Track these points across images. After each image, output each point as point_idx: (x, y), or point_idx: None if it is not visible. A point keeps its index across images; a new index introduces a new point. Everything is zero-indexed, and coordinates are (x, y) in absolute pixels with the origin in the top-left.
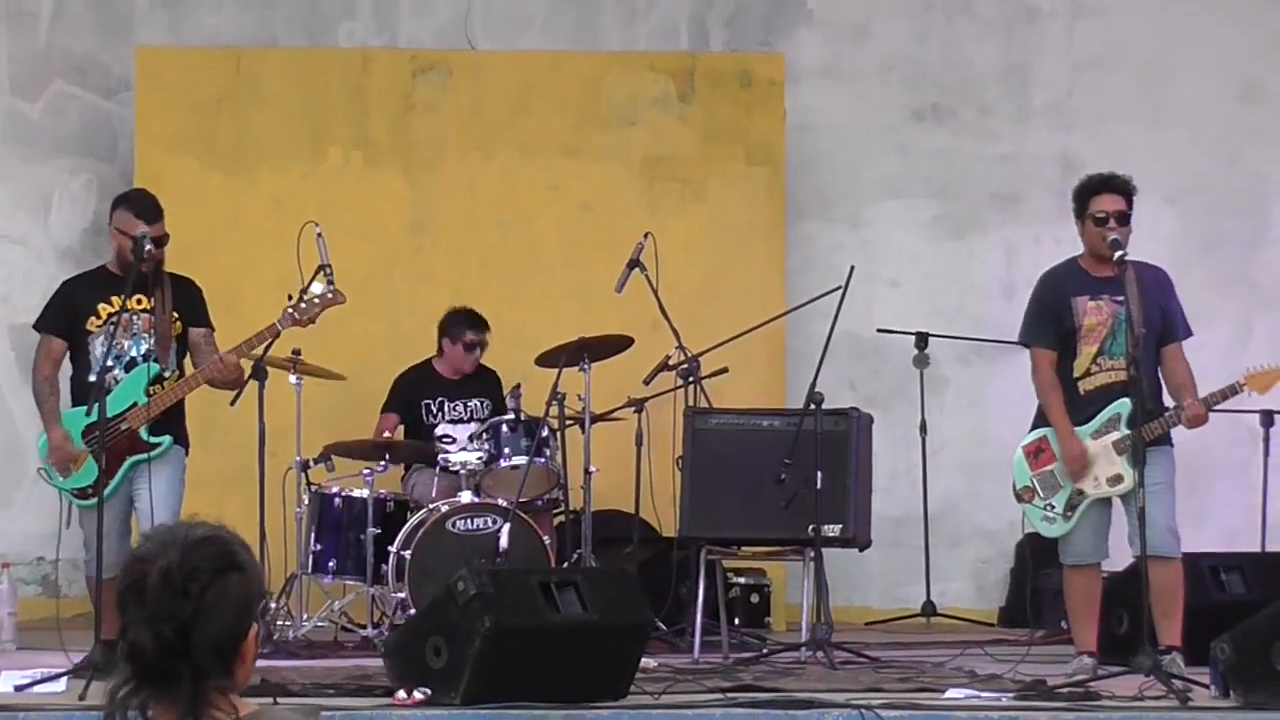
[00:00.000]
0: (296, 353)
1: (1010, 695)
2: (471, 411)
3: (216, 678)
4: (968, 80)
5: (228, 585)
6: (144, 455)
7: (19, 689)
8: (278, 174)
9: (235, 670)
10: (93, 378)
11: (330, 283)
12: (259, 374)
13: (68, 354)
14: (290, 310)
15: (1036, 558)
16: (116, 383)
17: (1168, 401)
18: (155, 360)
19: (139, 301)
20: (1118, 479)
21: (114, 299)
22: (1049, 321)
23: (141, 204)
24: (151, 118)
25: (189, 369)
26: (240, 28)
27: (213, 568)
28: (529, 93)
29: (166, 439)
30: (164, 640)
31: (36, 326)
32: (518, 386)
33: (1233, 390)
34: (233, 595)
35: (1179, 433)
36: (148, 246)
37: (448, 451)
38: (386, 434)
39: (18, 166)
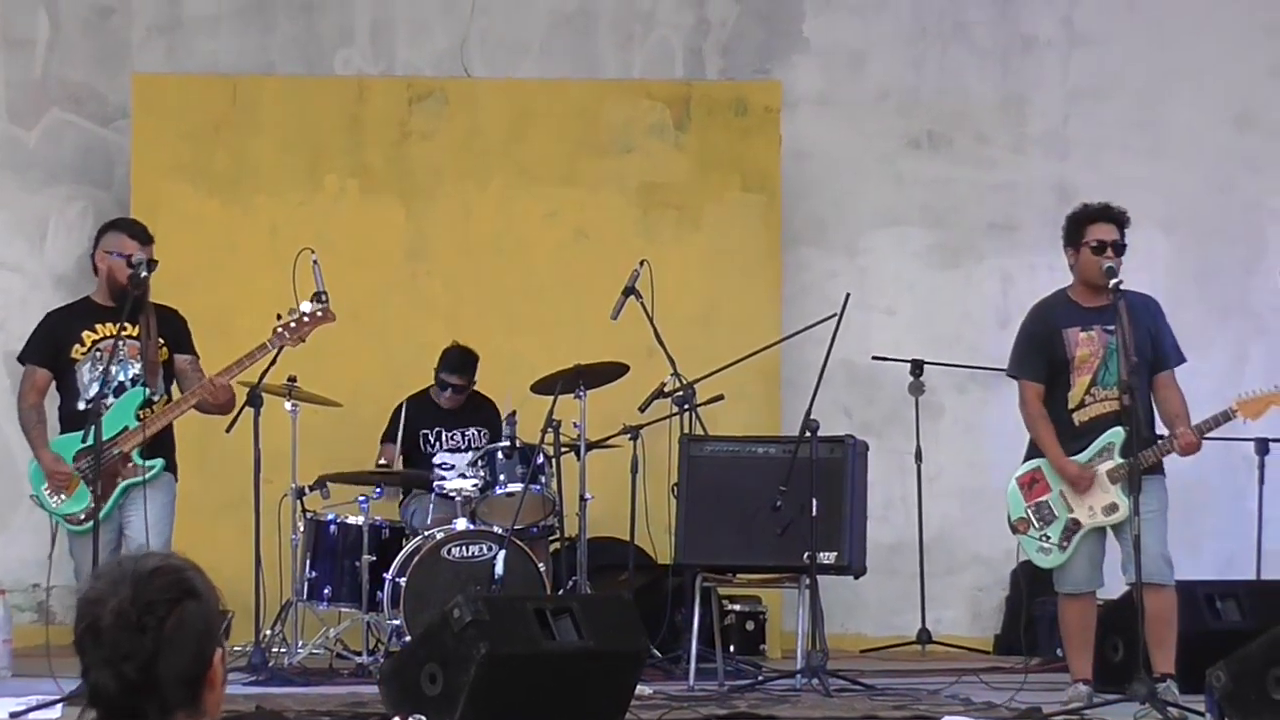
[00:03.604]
0: (292, 379)
1: None
2: (469, 440)
3: (184, 709)
4: (964, 109)
5: (185, 614)
6: (136, 479)
7: (14, 716)
8: (274, 202)
9: (204, 699)
10: (81, 405)
11: (320, 301)
12: (254, 401)
13: (54, 384)
14: (280, 329)
15: (1032, 585)
16: (107, 408)
17: (1160, 429)
18: (144, 385)
19: (123, 328)
20: (1113, 508)
21: (98, 327)
22: (1038, 354)
23: (133, 227)
24: (148, 145)
25: (177, 396)
26: (237, 56)
27: (168, 599)
28: (525, 120)
29: (159, 462)
30: (127, 680)
31: (20, 358)
32: (513, 414)
33: (1225, 417)
34: (191, 623)
35: (1174, 460)
36: (144, 273)
37: (444, 479)
38: (383, 463)
39: (14, 194)
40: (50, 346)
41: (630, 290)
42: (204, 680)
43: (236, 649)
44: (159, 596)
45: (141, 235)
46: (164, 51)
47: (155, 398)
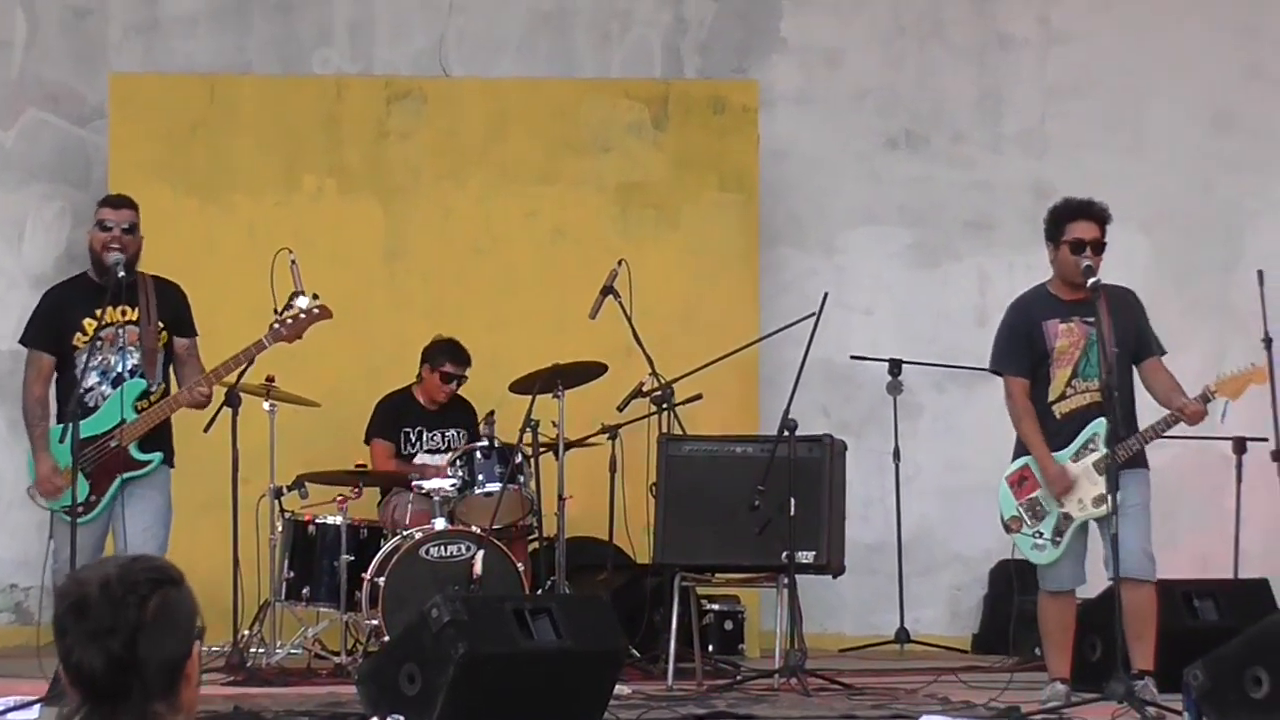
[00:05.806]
0: (270, 379)
1: None
2: (449, 441)
3: (163, 698)
4: (941, 107)
5: (168, 597)
6: (135, 473)
7: None
8: (252, 201)
9: (181, 691)
10: (79, 392)
11: (315, 298)
12: (232, 401)
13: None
14: (276, 326)
15: (1010, 584)
16: (104, 399)
17: (1150, 416)
18: (142, 375)
19: (124, 313)
20: (1102, 499)
21: (98, 312)
22: (1020, 348)
23: (107, 198)
24: (125, 145)
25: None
26: (215, 55)
27: (151, 579)
28: (503, 120)
29: (156, 456)
30: (113, 656)
31: (23, 341)
32: (491, 413)
33: (1205, 398)
34: (173, 607)
35: (1152, 458)
36: (120, 273)
37: (423, 479)
38: (388, 460)
39: None
40: (53, 329)
41: (608, 289)
42: (183, 670)
43: (214, 649)
44: (142, 577)
45: (113, 201)
46: (141, 51)
47: (153, 388)
